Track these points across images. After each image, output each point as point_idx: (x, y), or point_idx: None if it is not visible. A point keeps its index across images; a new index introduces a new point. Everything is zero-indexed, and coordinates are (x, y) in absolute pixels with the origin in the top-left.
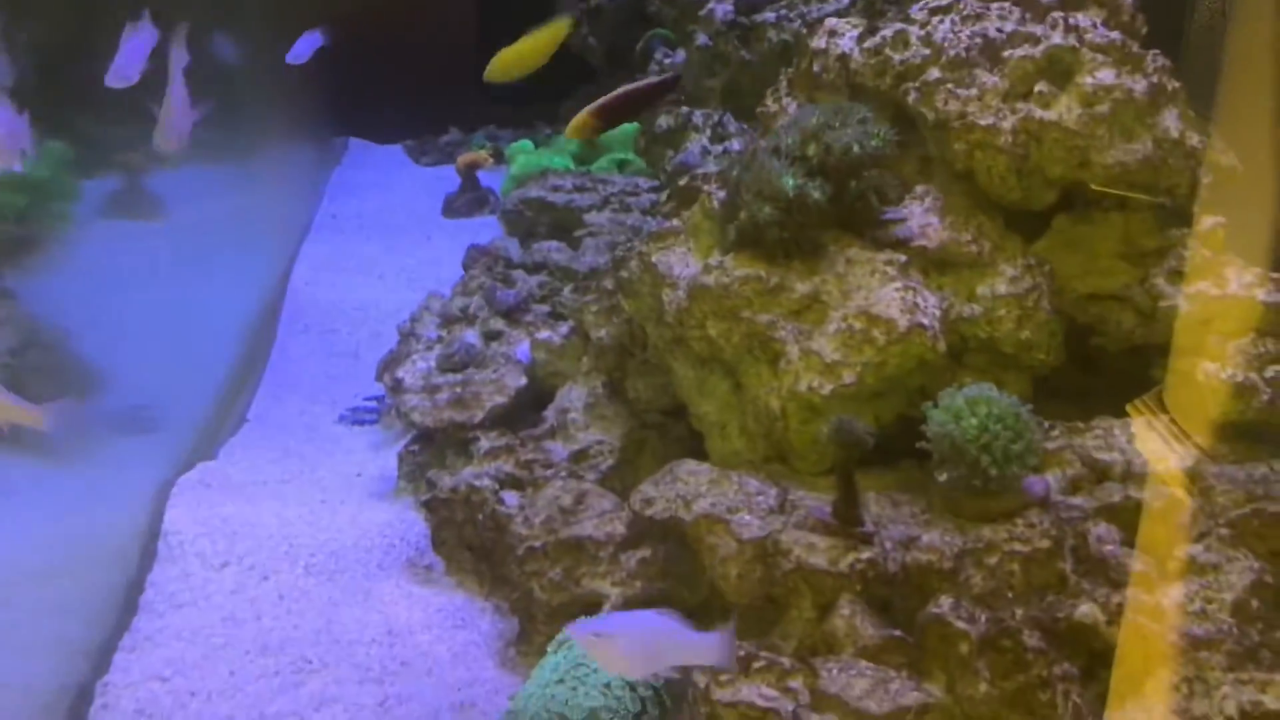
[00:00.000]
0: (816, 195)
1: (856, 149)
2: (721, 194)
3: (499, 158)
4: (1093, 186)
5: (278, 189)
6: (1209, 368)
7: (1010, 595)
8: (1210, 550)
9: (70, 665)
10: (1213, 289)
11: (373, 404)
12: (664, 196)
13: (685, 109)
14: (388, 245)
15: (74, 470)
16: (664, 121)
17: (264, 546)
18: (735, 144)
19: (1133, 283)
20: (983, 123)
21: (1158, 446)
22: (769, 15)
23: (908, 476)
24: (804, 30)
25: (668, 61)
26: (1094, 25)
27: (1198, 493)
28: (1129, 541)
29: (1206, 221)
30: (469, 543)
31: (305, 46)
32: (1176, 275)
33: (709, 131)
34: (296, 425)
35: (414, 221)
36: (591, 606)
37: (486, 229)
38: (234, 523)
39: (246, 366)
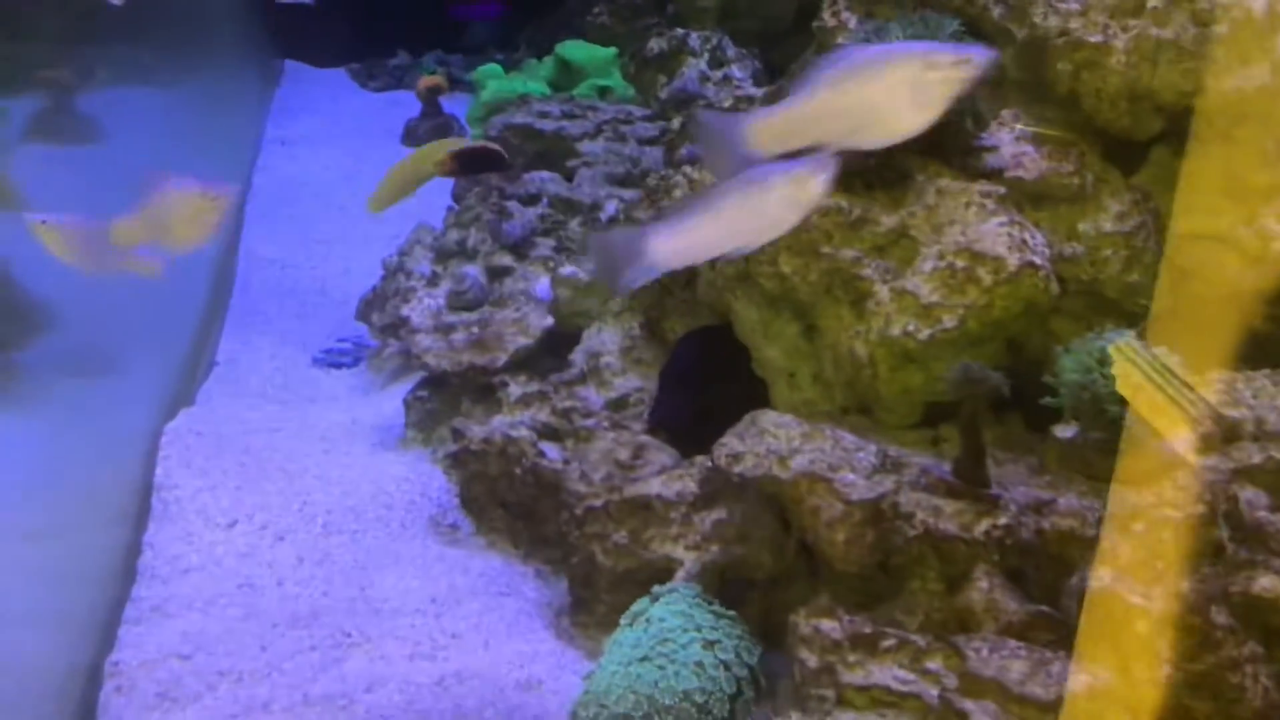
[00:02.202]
0: None
1: None
2: None
3: (453, 84)
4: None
5: (218, 110)
6: None
7: (1160, 566)
8: None
9: (73, 641)
10: None
11: (348, 344)
12: (674, 125)
13: (680, 30)
14: (346, 173)
15: (49, 418)
16: (655, 45)
17: (274, 503)
18: (736, 70)
19: (1238, 222)
20: (1092, 40)
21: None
22: None
23: (1005, 432)
24: None
25: None
26: None
27: None
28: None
29: None
30: (503, 499)
31: None
32: None
33: (706, 56)
34: (269, 369)
35: (372, 148)
36: (661, 573)
37: None
38: (235, 476)
39: (211, 305)
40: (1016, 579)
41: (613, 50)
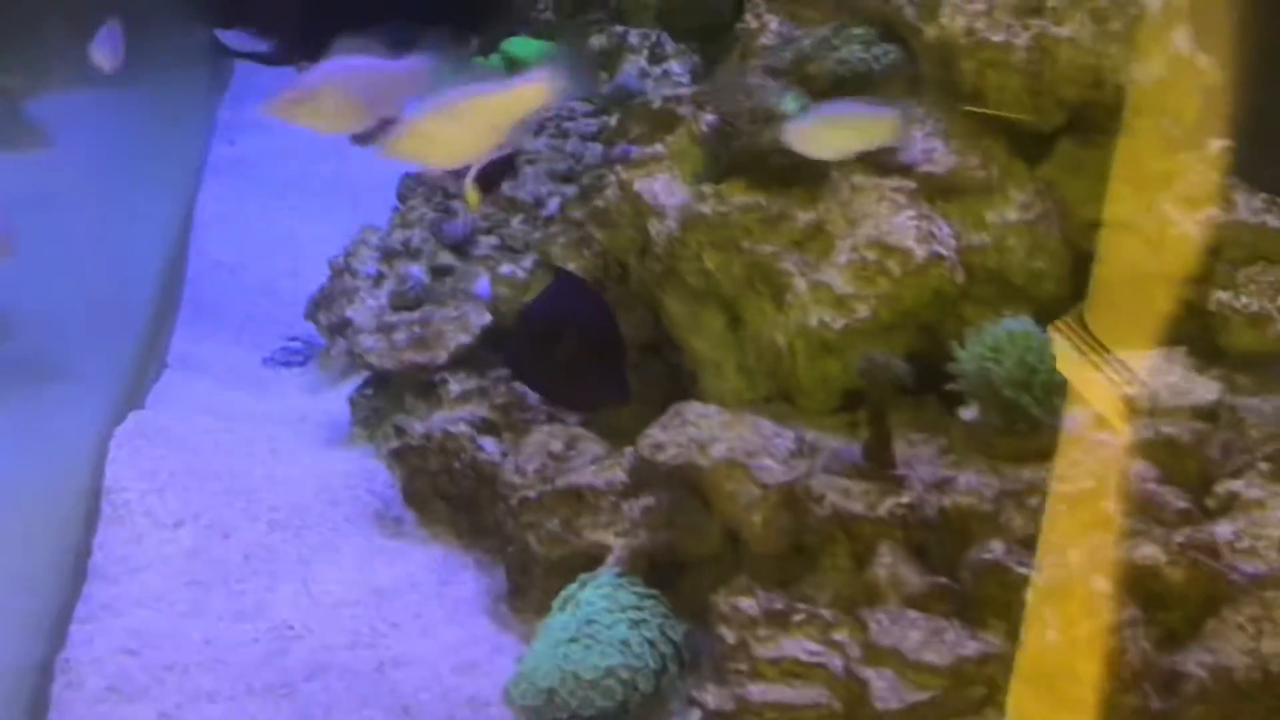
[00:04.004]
0: None
1: (864, 69)
2: (709, 117)
3: None
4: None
5: (168, 113)
6: (1222, 297)
7: (1051, 538)
8: (1252, 486)
9: (25, 640)
10: (1221, 214)
11: (298, 344)
12: (613, 122)
13: (619, 28)
14: (296, 174)
15: None
16: (596, 42)
17: (219, 502)
18: (675, 66)
19: (1139, 208)
20: (995, 39)
21: (1177, 380)
22: None
23: (917, 415)
24: None
25: None
26: None
27: (1228, 426)
28: (1168, 479)
29: (1214, 144)
30: (445, 493)
31: None
32: (1185, 200)
33: (646, 52)
34: (221, 369)
35: (321, 149)
36: (593, 559)
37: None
38: (183, 477)
39: (161, 307)
40: (920, 553)
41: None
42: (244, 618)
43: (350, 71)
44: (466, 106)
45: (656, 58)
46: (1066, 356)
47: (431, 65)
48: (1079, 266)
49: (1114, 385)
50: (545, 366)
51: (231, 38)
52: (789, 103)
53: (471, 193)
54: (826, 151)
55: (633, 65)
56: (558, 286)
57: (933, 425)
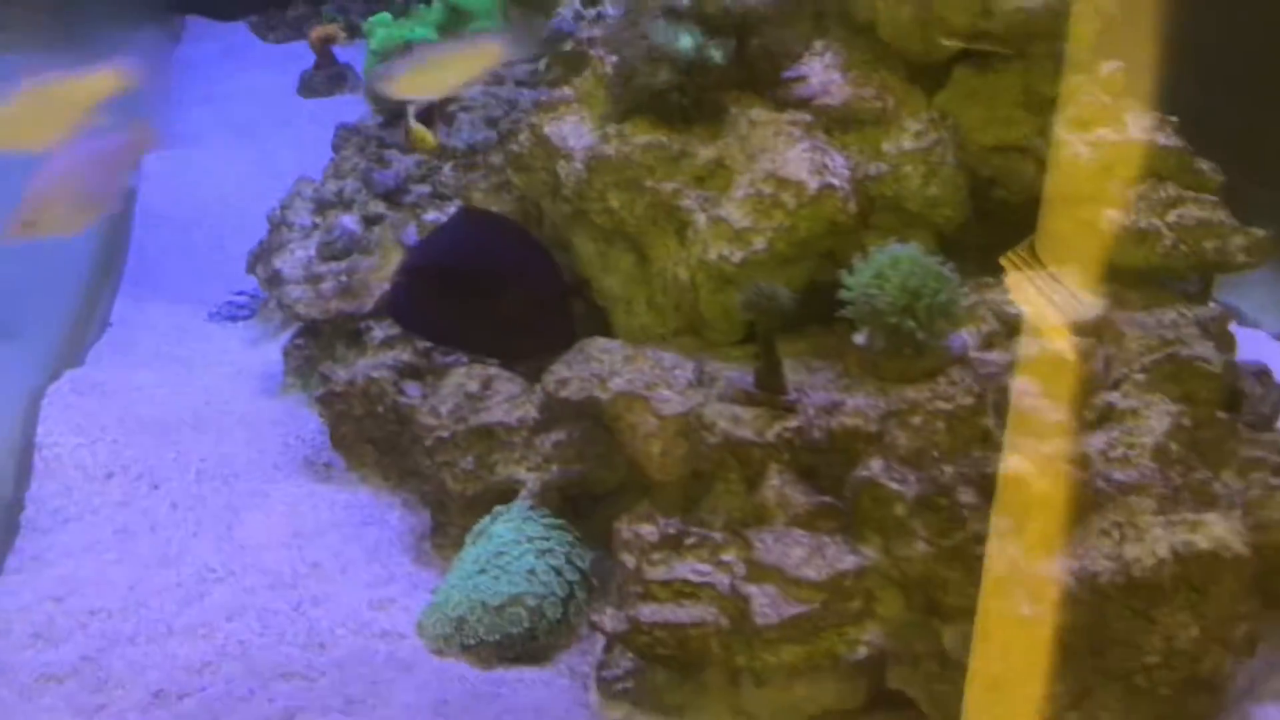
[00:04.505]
0: (717, 55)
1: (758, 4)
2: (613, 59)
3: (353, 32)
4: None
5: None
6: (1112, 215)
7: (937, 454)
8: (1128, 397)
9: None
10: (1113, 134)
11: (244, 298)
12: (543, 65)
13: None
14: (243, 128)
15: None
16: None
17: (150, 455)
18: (609, 8)
19: (1033, 132)
20: None
21: (1064, 297)
22: None
23: (820, 342)
24: None
25: None
26: None
27: (1110, 340)
28: (1048, 394)
29: (1106, 66)
30: (370, 437)
31: None
32: (1077, 123)
33: None
34: (165, 326)
35: (269, 102)
36: (507, 494)
37: (348, 107)
38: (113, 431)
39: (104, 266)
40: (809, 474)
41: None
42: (168, 564)
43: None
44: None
45: (591, 0)
46: (1014, 283)
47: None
48: (976, 192)
49: (1083, 305)
50: (466, 316)
51: None
52: (686, 40)
53: (421, 130)
54: (428, 94)
55: (567, 8)
56: (463, 229)
57: (833, 351)
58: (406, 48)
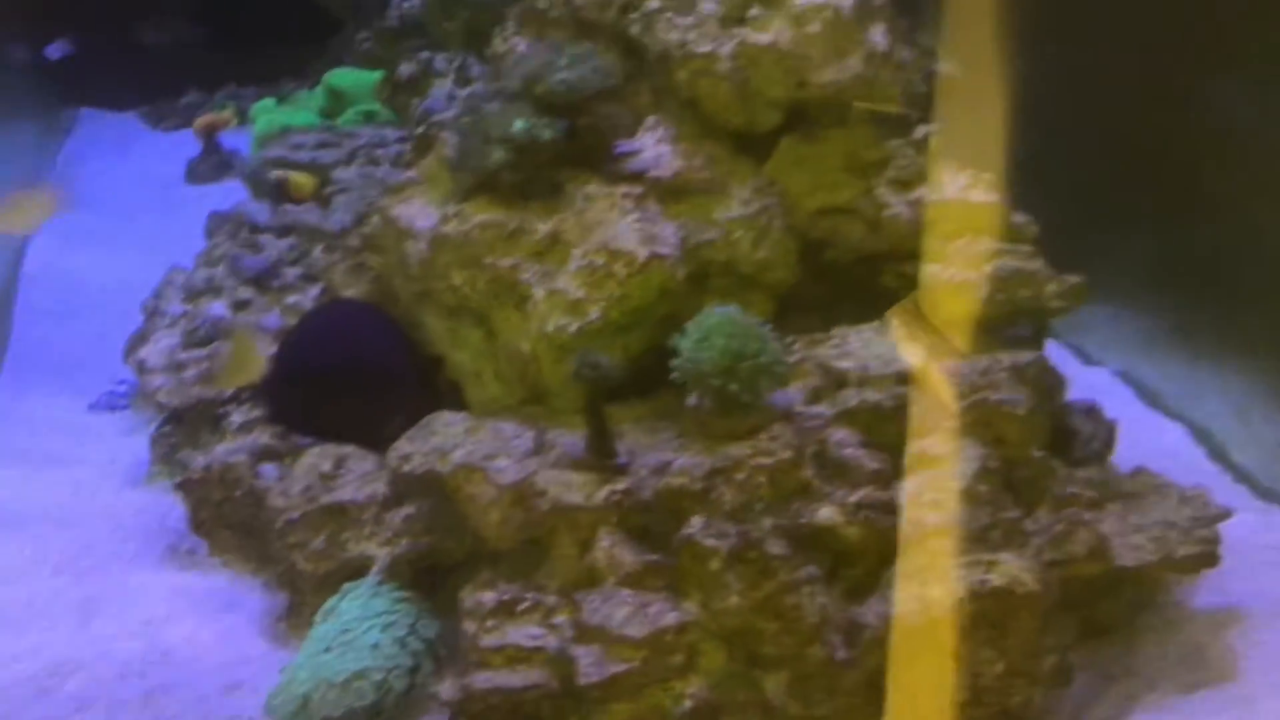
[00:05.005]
0: (547, 134)
1: (582, 85)
2: (455, 140)
3: (244, 118)
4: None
5: None
6: (933, 269)
7: (760, 508)
8: (940, 443)
9: None
10: (931, 194)
11: (124, 388)
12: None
13: (426, 54)
14: (130, 217)
15: None
16: (406, 69)
17: (9, 550)
18: (480, 88)
19: (858, 195)
20: (702, 50)
21: (889, 350)
22: None
23: (665, 404)
24: None
25: (406, 6)
26: None
27: (928, 389)
28: (868, 444)
29: (920, 130)
30: (229, 521)
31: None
32: (898, 184)
33: (453, 76)
34: (42, 419)
35: (156, 191)
36: (359, 570)
37: (234, 194)
38: None
39: None
40: (642, 534)
41: (379, 74)
42: (21, 659)
43: None
44: None
45: (463, 80)
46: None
47: None
48: (808, 253)
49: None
50: (333, 407)
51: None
52: (517, 122)
53: (299, 177)
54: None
55: (440, 89)
56: (326, 319)
57: (675, 414)
58: (281, 134)
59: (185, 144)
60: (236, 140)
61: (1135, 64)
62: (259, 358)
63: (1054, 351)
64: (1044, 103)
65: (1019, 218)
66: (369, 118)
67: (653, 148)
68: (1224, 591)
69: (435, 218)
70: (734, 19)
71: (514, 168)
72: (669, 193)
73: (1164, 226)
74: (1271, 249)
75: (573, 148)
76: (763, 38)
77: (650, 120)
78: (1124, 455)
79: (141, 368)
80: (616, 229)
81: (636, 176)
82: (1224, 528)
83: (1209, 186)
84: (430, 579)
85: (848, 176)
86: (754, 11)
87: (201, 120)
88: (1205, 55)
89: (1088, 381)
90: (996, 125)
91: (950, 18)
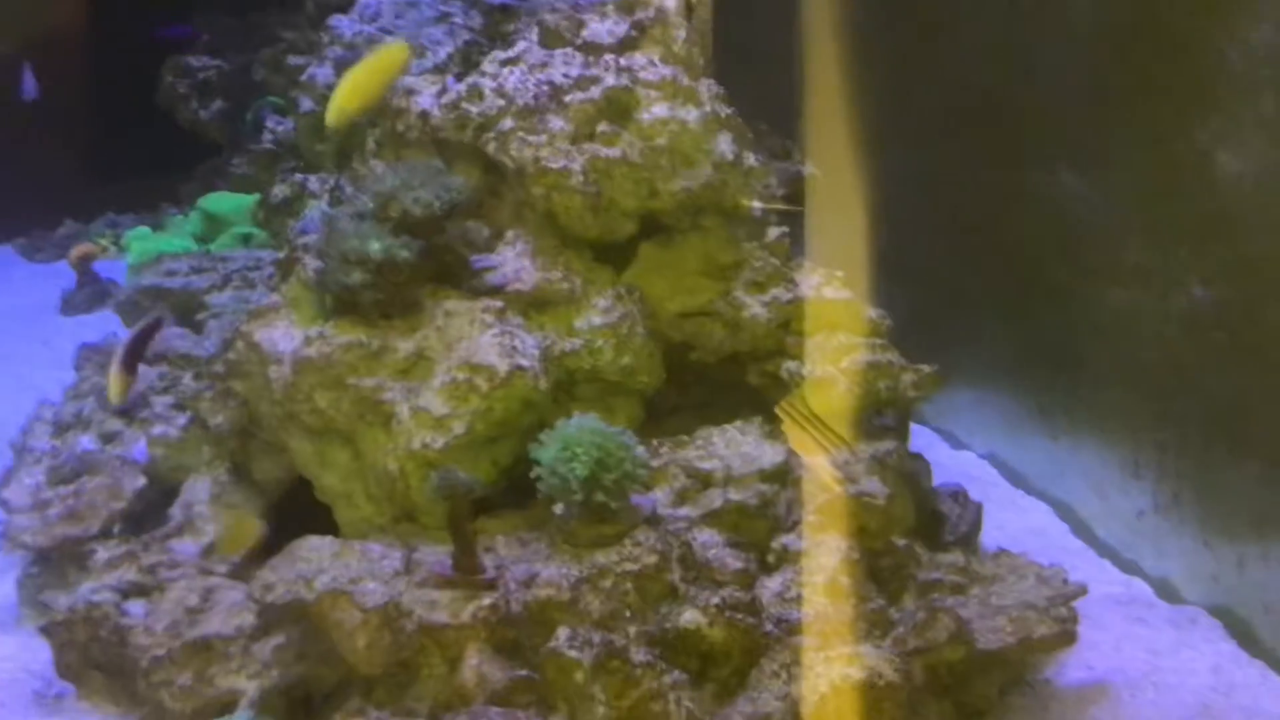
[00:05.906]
0: (404, 254)
1: (436, 205)
2: (316, 263)
3: (122, 247)
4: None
5: None
6: (792, 366)
7: (628, 614)
8: (802, 538)
9: None
10: (784, 293)
11: None
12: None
13: (300, 176)
14: (1, 353)
15: None
16: (280, 191)
17: None
18: (340, 210)
19: (717, 297)
20: (555, 166)
21: (751, 448)
22: None
23: (538, 515)
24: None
25: (280, 129)
26: (650, 63)
27: (790, 484)
28: (733, 543)
29: (773, 232)
30: (97, 663)
31: None
32: (754, 285)
33: (326, 197)
34: None
35: (30, 322)
36: (229, 705)
37: (109, 324)
38: None
39: None
40: (513, 649)
41: (254, 197)
42: None
43: None
44: None
45: (337, 201)
46: (808, 427)
47: None
48: (672, 355)
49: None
50: None
51: None
52: (373, 244)
53: (116, 380)
54: None
55: (314, 210)
56: None
57: (545, 524)
58: (154, 261)
59: (61, 274)
60: (113, 269)
61: (981, 162)
62: (255, 524)
63: (924, 436)
64: (901, 202)
65: (873, 312)
66: (246, 241)
67: (512, 261)
68: (1089, 666)
69: (298, 340)
70: (584, 135)
71: (374, 288)
72: (530, 305)
73: (1017, 314)
74: (1111, 330)
75: (431, 265)
76: (613, 151)
77: (509, 234)
78: (992, 536)
79: (7, 508)
80: (478, 343)
81: (496, 290)
82: (1087, 602)
83: (1052, 275)
84: (306, 709)
85: (705, 280)
86: (603, 127)
87: (76, 250)
88: (1042, 150)
89: (957, 465)
90: (857, 224)
91: (808, 124)
